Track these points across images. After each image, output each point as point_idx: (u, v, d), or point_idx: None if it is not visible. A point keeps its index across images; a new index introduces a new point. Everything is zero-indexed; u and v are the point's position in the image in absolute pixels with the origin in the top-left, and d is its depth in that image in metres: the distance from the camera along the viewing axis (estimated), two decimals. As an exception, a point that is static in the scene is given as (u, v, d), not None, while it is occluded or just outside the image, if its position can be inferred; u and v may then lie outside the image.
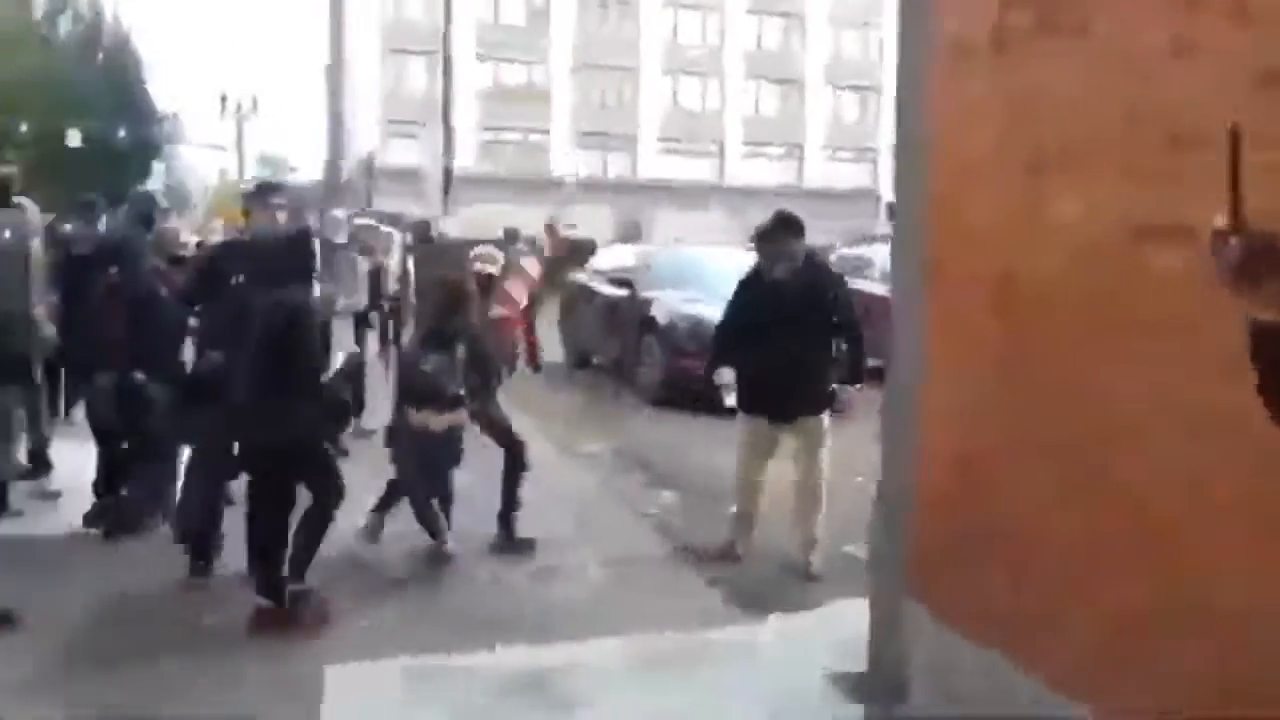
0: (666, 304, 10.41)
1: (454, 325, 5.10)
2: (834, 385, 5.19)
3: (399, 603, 4.59)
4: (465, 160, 36.90)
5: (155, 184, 33.98)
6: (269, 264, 4.43)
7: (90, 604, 4.36)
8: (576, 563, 5.12)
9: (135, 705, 3.50)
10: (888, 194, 4.71)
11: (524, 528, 5.35)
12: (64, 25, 41.07)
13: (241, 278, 4.52)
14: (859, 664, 3.66)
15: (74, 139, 31.64)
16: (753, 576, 5.04)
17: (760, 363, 5.11)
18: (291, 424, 4.23)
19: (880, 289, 8.72)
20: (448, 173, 19.14)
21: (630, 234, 32.42)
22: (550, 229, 9.89)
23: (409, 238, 10.75)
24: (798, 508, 5.23)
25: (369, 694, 3.67)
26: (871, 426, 3.96)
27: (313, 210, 11.77)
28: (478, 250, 7.11)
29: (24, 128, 30.38)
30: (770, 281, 5.22)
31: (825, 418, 5.21)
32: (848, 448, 5.40)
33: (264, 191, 4.86)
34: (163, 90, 44.53)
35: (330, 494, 4.38)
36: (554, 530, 5.48)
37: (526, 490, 5.40)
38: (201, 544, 4.63)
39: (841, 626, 4.03)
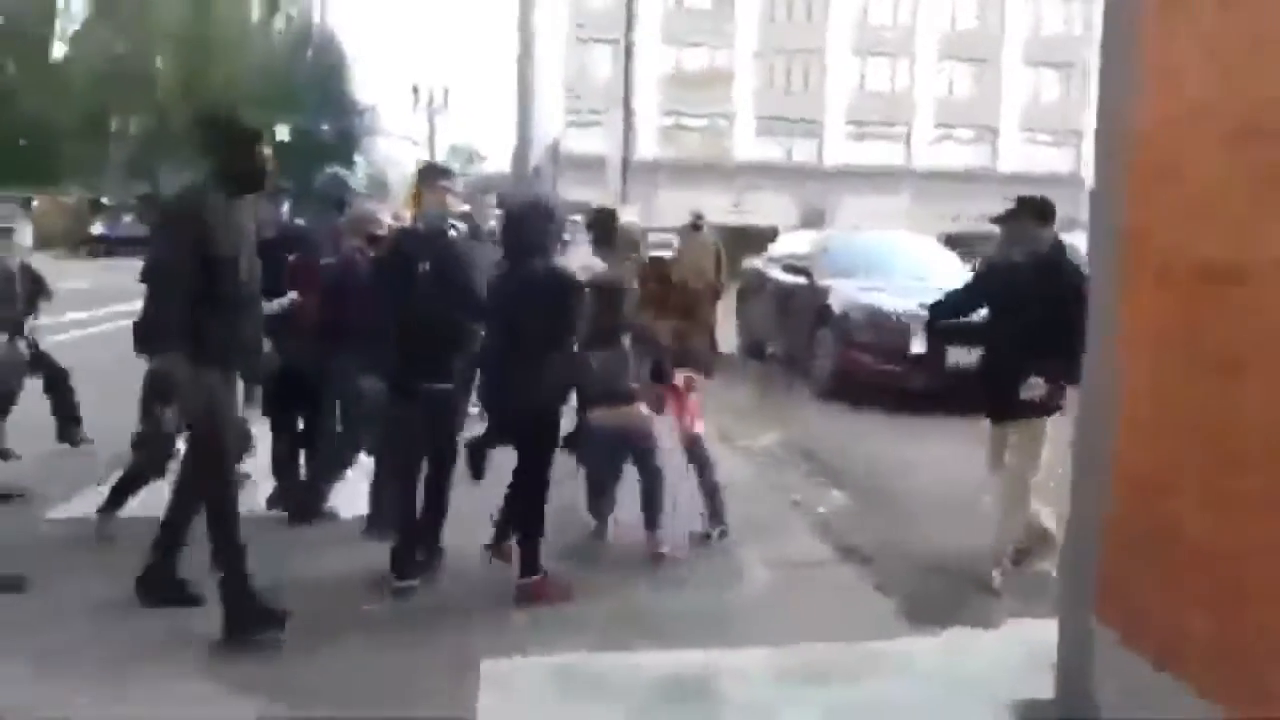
0: (843, 293, 10.04)
1: (614, 324, 4.94)
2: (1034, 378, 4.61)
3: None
4: (647, 146, 37.13)
5: (357, 173, 35.68)
6: (511, 237, 4.58)
7: (279, 586, 4.37)
8: (740, 561, 4.95)
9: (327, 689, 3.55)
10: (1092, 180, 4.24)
11: (692, 523, 5.22)
12: (278, 25, 43.92)
13: (426, 265, 4.43)
14: (1045, 691, 3.33)
15: (283, 133, 33.57)
16: (929, 586, 4.74)
17: (984, 353, 4.87)
18: (556, 391, 4.51)
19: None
20: (625, 159, 19.22)
21: (812, 220, 31.76)
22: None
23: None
24: (995, 515, 4.88)
25: (524, 689, 3.60)
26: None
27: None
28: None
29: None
30: (1005, 266, 4.97)
31: (1048, 422, 4.72)
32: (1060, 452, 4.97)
33: (432, 174, 4.82)
34: (360, 83, 46.73)
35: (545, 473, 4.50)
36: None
37: (691, 485, 5.25)
38: (408, 544, 4.48)
39: (1026, 648, 3.70)
